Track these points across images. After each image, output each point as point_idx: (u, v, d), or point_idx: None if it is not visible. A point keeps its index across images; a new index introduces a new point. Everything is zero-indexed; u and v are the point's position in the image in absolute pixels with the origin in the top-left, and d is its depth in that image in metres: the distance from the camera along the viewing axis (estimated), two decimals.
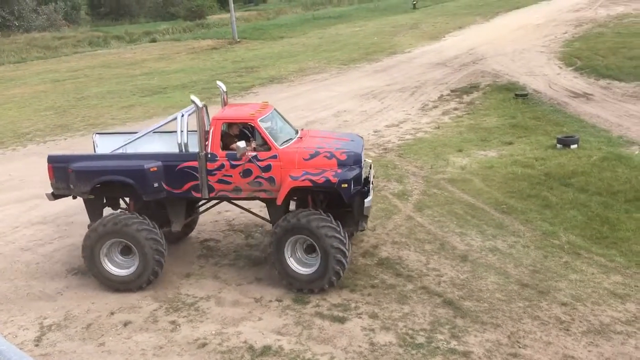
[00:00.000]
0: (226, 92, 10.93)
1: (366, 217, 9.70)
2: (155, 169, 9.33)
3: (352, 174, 9.15)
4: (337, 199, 9.28)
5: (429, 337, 8.14)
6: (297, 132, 10.23)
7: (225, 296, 9.47)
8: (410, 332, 8.29)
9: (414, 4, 59.74)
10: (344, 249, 9.03)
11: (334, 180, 9.01)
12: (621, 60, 25.48)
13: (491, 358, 7.68)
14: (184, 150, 9.56)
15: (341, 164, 9.23)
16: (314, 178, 9.06)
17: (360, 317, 8.68)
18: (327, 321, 8.64)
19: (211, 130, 9.44)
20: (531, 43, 32.33)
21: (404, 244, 10.79)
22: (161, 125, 10.39)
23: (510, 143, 16.06)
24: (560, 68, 25.69)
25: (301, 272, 9.29)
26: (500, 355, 7.71)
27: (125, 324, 8.82)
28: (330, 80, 26.75)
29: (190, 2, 65.13)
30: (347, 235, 9.22)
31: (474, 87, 23.25)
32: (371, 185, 9.83)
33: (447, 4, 60.95)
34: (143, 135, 10.23)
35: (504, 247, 10.44)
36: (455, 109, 20.39)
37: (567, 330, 8.13)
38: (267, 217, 10.20)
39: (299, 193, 9.60)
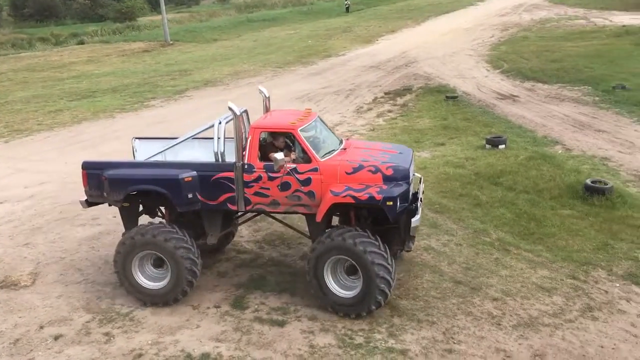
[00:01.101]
0: (269, 97, 10.28)
1: (413, 237, 8.97)
2: (190, 179, 8.85)
3: (399, 190, 8.39)
4: (383, 215, 8.52)
5: (368, 337, 8.25)
6: (341, 142, 9.53)
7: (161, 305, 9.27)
8: (349, 332, 8.38)
9: (347, 8, 60.50)
10: (389, 278, 8.38)
11: (379, 197, 8.26)
12: (544, 63, 26.69)
13: (427, 355, 7.87)
14: (220, 159, 9.01)
15: (387, 179, 8.49)
16: (356, 194, 8.35)
17: (299, 320, 8.70)
18: (267, 325, 8.61)
19: (249, 140, 8.84)
20: (460, 47, 33.37)
21: None
22: (200, 132, 9.74)
23: (442, 144, 16.50)
24: (488, 71, 26.64)
25: (340, 294, 8.66)
26: (436, 352, 7.91)
27: (56, 338, 8.49)
28: (265, 83, 26.66)
29: (119, 4, 63.50)
30: (393, 259, 8.61)
31: (406, 90, 23.76)
32: (420, 203, 9.09)
33: (380, 8, 62.08)
34: (182, 141, 9.77)
35: (438, 245, 10.72)
36: (389, 111, 20.78)
37: (499, 324, 8.42)
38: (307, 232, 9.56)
39: (341, 208, 8.91)
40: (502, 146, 15.70)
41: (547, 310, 8.68)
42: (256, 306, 9.08)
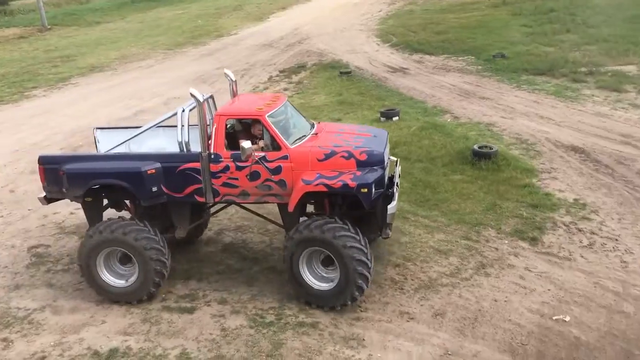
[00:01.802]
0: (235, 81, 9.86)
1: (390, 223, 8.68)
2: (154, 171, 8.43)
3: (374, 176, 8.07)
4: (358, 201, 8.19)
5: (279, 315, 8.39)
6: (312, 126, 9.12)
7: (62, 304, 8.89)
8: (260, 312, 8.47)
9: None
10: (366, 260, 8.09)
11: (352, 184, 7.94)
12: (430, 35, 27.72)
13: (337, 325, 8.13)
14: (184, 149, 8.60)
15: (361, 165, 8.18)
16: (329, 182, 8.01)
17: (209, 305, 8.67)
18: (176, 314, 8.51)
19: (214, 128, 8.44)
20: (350, 22, 33.89)
21: (247, 228, 10.90)
22: (162, 121, 9.31)
23: (339, 119, 16.81)
24: (378, 45, 27.30)
25: (320, 287, 8.38)
26: (345, 321, 8.19)
27: None
28: (156, 67, 25.84)
29: None
30: (367, 243, 8.27)
31: (301, 67, 23.89)
32: (396, 188, 8.79)
33: None
34: (145, 130, 9.25)
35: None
36: (285, 89, 20.83)
37: (402, 289, 8.84)
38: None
39: (314, 196, 8.62)
40: (395, 118, 16.25)
41: (444, 272, 9.20)
42: (163, 295, 8.94)
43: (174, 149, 8.85)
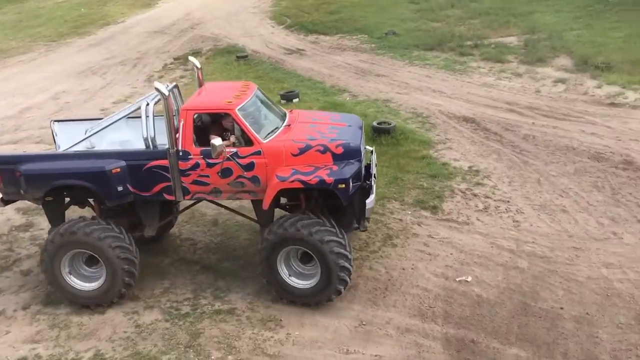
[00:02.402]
0: (201, 68, 9.31)
1: (367, 217, 8.47)
2: (119, 170, 7.96)
3: (351, 171, 7.78)
4: (334, 193, 7.80)
5: (194, 305, 8.34)
6: (284, 116, 8.75)
7: None
8: (174, 304, 8.38)
9: None
10: (349, 266, 7.90)
11: (330, 180, 7.64)
12: (323, 15, 27.93)
13: (254, 309, 8.22)
14: (151, 146, 8.09)
15: (337, 159, 7.88)
16: (305, 178, 7.70)
17: (120, 304, 8.45)
18: (86, 316, 8.25)
19: (181, 123, 7.95)
20: (243, 5, 33.45)
21: None
22: (125, 116, 8.74)
23: None
24: (273, 27, 27.20)
25: (297, 285, 8.13)
26: (262, 304, 8.30)
27: None
28: (39, 60, 24.32)
29: None
30: (345, 235, 8.01)
31: (196, 53, 23.33)
32: (373, 179, 8.51)
33: None
34: (110, 125, 8.69)
35: (248, 203, 11.00)
36: (182, 76, 20.34)
37: None
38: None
39: (289, 192, 8.17)
40: (296, 100, 16.38)
41: (354, 246, 9.47)
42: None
43: (139, 142, 8.43)
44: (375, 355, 7.30)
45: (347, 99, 16.62)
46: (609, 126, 13.46)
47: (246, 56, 21.91)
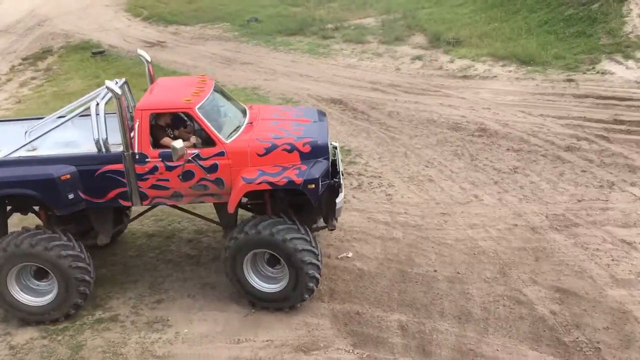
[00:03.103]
0: (150, 61, 8.59)
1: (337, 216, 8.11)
2: (68, 176, 7.26)
3: (320, 170, 7.41)
4: (299, 191, 7.43)
5: (72, 317, 7.92)
6: (245, 112, 8.15)
7: None
8: None
9: None
10: (317, 262, 7.55)
11: (299, 180, 7.25)
12: (182, 5, 27.28)
13: (138, 313, 7.96)
14: (103, 149, 7.38)
15: (305, 157, 7.50)
16: (273, 179, 7.26)
17: None
18: None
19: (136, 124, 7.28)
20: None
21: None
22: (72, 117, 7.93)
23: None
24: (130, 20, 26.12)
25: (267, 289, 7.74)
26: (146, 306, 8.06)
27: None
28: None
29: None
30: (315, 239, 7.67)
31: (47, 52, 21.89)
32: (341, 176, 8.04)
33: None
34: (55, 128, 7.86)
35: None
36: (33, 78, 19.00)
37: (198, 262, 8.93)
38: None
39: (254, 192, 7.62)
40: None
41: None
42: None
43: (86, 142, 7.77)
44: (267, 341, 7.38)
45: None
46: (463, 97, 14.46)
47: (103, 52, 20.89)
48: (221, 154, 7.42)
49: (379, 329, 7.47)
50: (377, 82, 16.04)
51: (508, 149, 11.69)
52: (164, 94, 7.94)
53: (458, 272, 8.40)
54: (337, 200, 7.80)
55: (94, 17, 26.94)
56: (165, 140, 7.53)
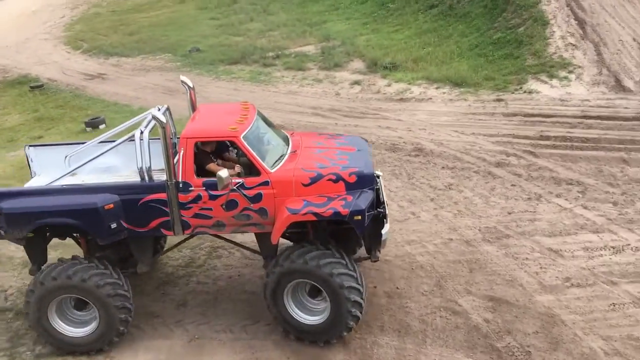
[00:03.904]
0: (193, 87, 8.51)
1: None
2: (112, 206, 7.22)
3: (366, 201, 7.26)
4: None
5: (12, 354, 7.82)
6: (287, 140, 8.05)
7: None
8: None
9: None
10: (361, 300, 7.34)
11: (345, 212, 7.09)
12: (123, 37, 27.18)
13: None
14: (146, 178, 7.31)
15: (350, 188, 7.36)
16: (318, 210, 7.12)
17: None
18: None
19: (181, 153, 7.21)
20: (33, 31, 31.26)
21: None
22: (116, 145, 7.86)
23: (40, 137, 15.73)
24: (69, 53, 25.85)
25: (305, 321, 7.57)
26: None
27: None
28: None
29: None
30: (356, 266, 7.46)
31: None
32: (385, 206, 7.79)
33: None
34: (97, 157, 7.80)
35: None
36: None
37: (142, 292, 8.89)
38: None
39: (298, 223, 7.44)
40: (102, 126, 15.86)
41: (179, 264, 9.56)
42: None
43: (126, 167, 7.87)
44: None
45: None
46: (400, 119, 14.97)
47: (41, 85, 20.64)
48: (265, 183, 7.32)
49: (321, 347, 7.64)
50: (317, 107, 16.41)
51: (443, 167, 12.19)
52: (208, 122, 7.89)
53: (397, 287, 8.69)
54: (383, 231, 7.53)
55: (32, 51, 26.55)
56: (211, 166, 7.51)
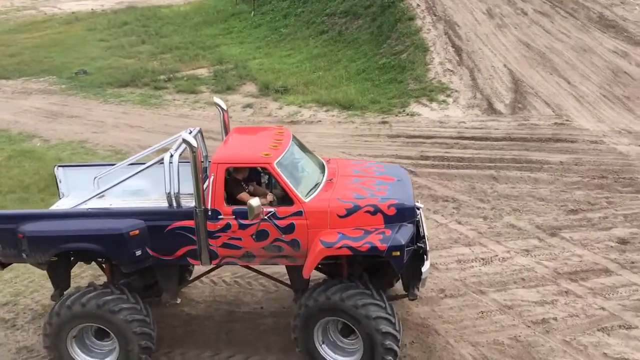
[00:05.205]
0: (227, 110, 8.25)
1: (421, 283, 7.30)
2: (137, 232, 6.95)
3: (406, 236, 6.78)
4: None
5: None
6: (323, 167, 7.64)
7: None
8: None
9: None
10: (394, 331, 6.81)
11: (382, 247, 6.61)
12: (3, 58, 25.68)
13: None
14: (174, 204, 7.02)
15: (389, 221, 6.86)
16: (354, 244, 6.63)
17: None
18: None
19: (211, 179, 6.89)
20: None
21: None
22: (143, 169, 7.60)
23: None
24: None
25: None
26: None
27: None
28: None
29: None
30: (391, 305, 6.96)
31: None
32: (426, 241, 7.30)
33: None
34: (127, 178, 7.54)
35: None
36: None
37: (14, 325, 8.49)
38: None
39: (332, 257, 6.99)
40: None
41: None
42: None
43: (155, 191, 7.76)
44: None
45: (38, 144, 15.78)
46: None
47: None
48: (299, 213, 6.92)
49: None
50: (209, 131, 16.23)
51: None
52: (241, 147, 7.60)
53: (283, 307, 8.84)
54: (424, 269, 7.10)
55: None
56: (242, 196, 7.19)
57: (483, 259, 9.80)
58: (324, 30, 24.07)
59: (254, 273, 9.46)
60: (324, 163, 7.94)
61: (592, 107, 16.17)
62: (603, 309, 8.50)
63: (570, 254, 9.83)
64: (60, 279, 7.72)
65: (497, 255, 9.88)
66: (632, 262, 9.53)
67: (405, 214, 7.06)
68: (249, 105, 18.30)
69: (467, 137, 14.80)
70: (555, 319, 8.34)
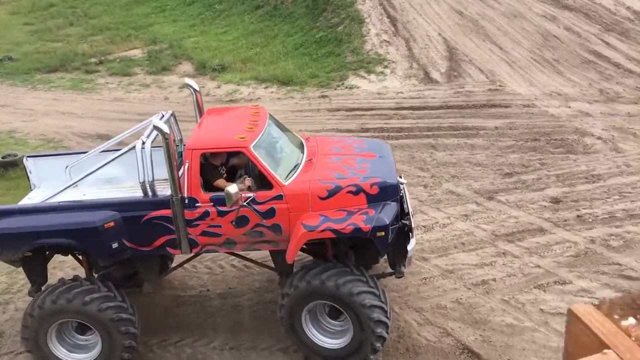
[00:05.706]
0: (199, 91, 7.97)
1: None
2: (112, 224, 6.74)
3: (390, 215, 6.63)
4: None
5: None
6: (302, 146, 7.41)
7: None
8: None
9: None
10: (386, 319, 6.73)
11: (366, 228, 6.49)
12: None
13: None
14: (149, 194, 6.77)
15: (372, 200, 6.70)
16: (337, 226, 6.52)
17: None
18: None
19: (186, 165, 6.68)
20: None
21: None
22: (115, 158, 7.27)
23: None
24: None
25: (326, 344, 7.06)
26: None
27: None
28: None
29: None
30: (384, 292, 6.86)
31: None
32: (411, 217, 7.05)
33: None
34: (101, 168, 7.25)
35: None
36: None
37: None
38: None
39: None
40: None
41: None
42: None
43: (129, 178, 7.45)
44: None
45: None
46: None
47: None
48: (279, 197, 6.73)
49: (154, 357, 7.57)
50: (145, 113, 15.84)
51: None
52: (215, 131, 7.34)
53: (230, 288, 8.84)
54: (409, 247, 6.99)
55: None
56: (219, 182, 6.91)
57: (424, 226, 10.02)
58: (259, 5, 23.76)
59: (199, 258, 9.47)
60: (303, 142, 7.77)
61: (524, 71, 16.62)
62: (539, 267, 8.86)
63: (507, 216, 10.17)
64: (36, 274, 7.43)
65: (437, 222, 10.12)
66: (565, 220, 9.94)
67: (388, 192, 6.94)
68: (185, 86, 17.91)
69: (405, 107, 14.98)
70: (494, 279, 8.65)
